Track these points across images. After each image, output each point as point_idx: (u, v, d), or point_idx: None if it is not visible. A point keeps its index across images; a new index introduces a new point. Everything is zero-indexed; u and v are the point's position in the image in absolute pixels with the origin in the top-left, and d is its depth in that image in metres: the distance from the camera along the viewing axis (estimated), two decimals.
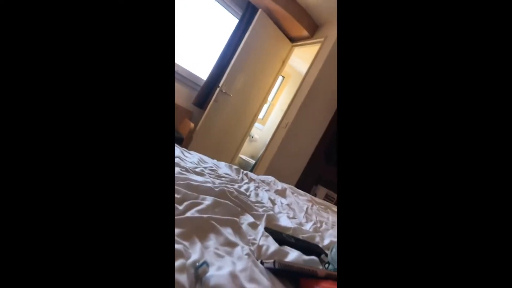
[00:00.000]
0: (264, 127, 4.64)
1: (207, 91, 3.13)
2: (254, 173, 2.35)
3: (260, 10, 2.92)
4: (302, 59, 3.93)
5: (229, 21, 3.31)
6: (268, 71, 3.26)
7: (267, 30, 3.04)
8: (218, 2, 3.18)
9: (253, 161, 3.90)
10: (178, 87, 3.11)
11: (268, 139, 2.95)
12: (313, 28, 3.06)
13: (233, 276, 0.46)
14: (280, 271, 0.57)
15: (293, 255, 0.72)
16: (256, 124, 4.20)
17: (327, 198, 2.80)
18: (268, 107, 4.63)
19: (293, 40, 3.31)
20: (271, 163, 2.67)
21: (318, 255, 0.82)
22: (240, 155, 3.82)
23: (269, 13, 3.00)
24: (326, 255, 0.85)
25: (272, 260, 0.57)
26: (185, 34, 3.21)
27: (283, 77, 4.53)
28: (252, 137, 4.50)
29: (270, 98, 4.37)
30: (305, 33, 3.05)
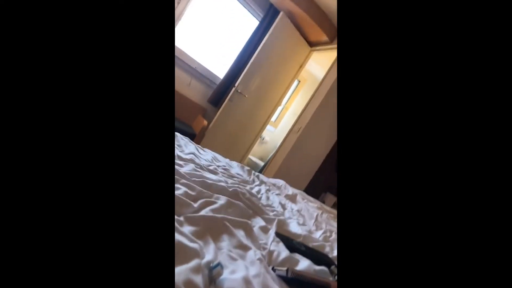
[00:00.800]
0: (276, 129, 4.62)
1: (223, 89, 3.14)
2: (263, 175, 2.34)
3: (281, 13, 2.91)
4: (320, 64, 3.90)
5: (250, 22, 3.31)
6: (284, 75, 3.25)
7: (287, 33, 3.02)
8: (240, 2, 3.19)
9: (262, 163, 3.88)
10: (194, 83, 3.13)
11: (279, 142, 2.93)
12: (334, 33, 3.03)
13: (247, 281, 0.45)
14: (293, 280, 0.55)
15: (304, 264, 0.70)
16: (268, 127, 4.19)
17: (335, 206, 2.76)
18: (281, 110, 4.60)
19: (312, 44, 3.28)
20: (281, 166, 2.65)
21: (328, 266, 0.80)
22: (250, 156, 3.81)
23: (290, 16, 2.99)
24: (336, 266, 0.83)
25: (285, 268, 0.56)
26: (205, 32, 3.23)
27: (299, 81, 4.50)
28: (263, 139, 4.49)
29: (284, 101, 4.35)
30: (325, 38, 3.02)
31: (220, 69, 3.27)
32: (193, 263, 0.40)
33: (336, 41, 3.00)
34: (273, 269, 0.58)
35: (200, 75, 3.14)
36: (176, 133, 1.25)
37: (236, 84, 2.91)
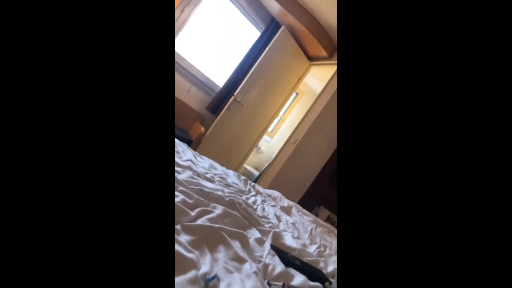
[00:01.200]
0: (272, 140, 4.63)
1: (221, 98, 3.15)
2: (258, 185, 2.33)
3: (283, 27, 2.97)
4: (318, 79, 3.96)
5: (251, 33, 3.36)
6: (283, 87, 3.28)
7: (287, 46, 3.07)
8: (243, 13, 3.24)
9: (257, 173, 3.87)
10: (194, 90, 3.14)
11: (275, 153, 2.93)
12: (333, 49, 3.09)
13: None
14: None
15: (298, 279, 0.69)
16: (264, 137, 4.20)
17: (328, 220, 2.74)
18: (278, 121, 4.63)
19: (311, 59, 3.34)
20: (276, 177, 2.64)
21: (322, 282, 0.79)
22: (245, 165, 3.80)
23: (291, 30, 3.05)
24: (330, 282, 0.82)
25: (281, 284, 0.55)
26: (207, 41, 3.27)
27: (297, 93, 4.55)
28: (259, 148, 4.49)
29: (281, 112, 4.38)
30: (324, 53, 3.08)
31: (220, 77, 3.29)
32: (190, 274, 0.39)
33: (334, 57, 3.06)
34: (268, 283, 0.57)
35: (200, 82, 3.16)
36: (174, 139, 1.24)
37: (235, 93, 2.92)
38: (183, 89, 3.06)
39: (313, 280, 0.74)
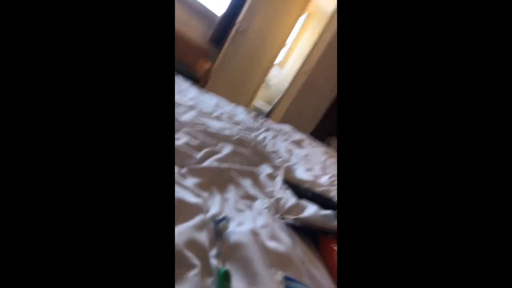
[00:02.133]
0: (282, 70, 4.40)
1: (224, 28, 2.88)
2: (269, 119, 2.29)
3: None
4: None
5: None
6: (289, 9, 2.92)
7: None
8: None
9: (269, 107, 3.80)
10: (193, 22, 2.87)
11: (286, 85, 2.80)
12: None
13: (254, 233, 0.44)
14: (301, 228, 0.55)
15: (310, 209, 0.70)
16: (275, 68, 3.97)
17: None
18: (288, 49, 4.30)
19: None
20: (288, 110, 2.58)
21: (334, 209, 0.81)
22: (256, 100, 3.71)
23: None
24: None
25: (293, 217, 0.55)
26: None
27: (308, 14, 4.08)
28: (269, 83, 4.31)
29: (290, 40, 4.02)
30: None
31: (218, 5, 2.95)
32: (196, 219, 0.39)
33: None
34: (281, 217, 0.58)
35: (198, 11, 2.86)
36: (177, 75, 1.16)
37: (237, 22, 2.64)
38: (183, 23, 2.80)
39: (325, 209, 0.75)
